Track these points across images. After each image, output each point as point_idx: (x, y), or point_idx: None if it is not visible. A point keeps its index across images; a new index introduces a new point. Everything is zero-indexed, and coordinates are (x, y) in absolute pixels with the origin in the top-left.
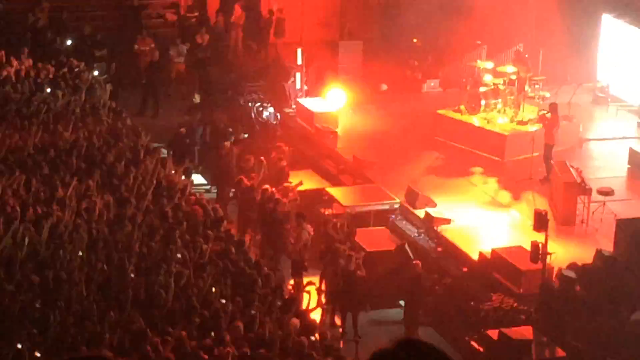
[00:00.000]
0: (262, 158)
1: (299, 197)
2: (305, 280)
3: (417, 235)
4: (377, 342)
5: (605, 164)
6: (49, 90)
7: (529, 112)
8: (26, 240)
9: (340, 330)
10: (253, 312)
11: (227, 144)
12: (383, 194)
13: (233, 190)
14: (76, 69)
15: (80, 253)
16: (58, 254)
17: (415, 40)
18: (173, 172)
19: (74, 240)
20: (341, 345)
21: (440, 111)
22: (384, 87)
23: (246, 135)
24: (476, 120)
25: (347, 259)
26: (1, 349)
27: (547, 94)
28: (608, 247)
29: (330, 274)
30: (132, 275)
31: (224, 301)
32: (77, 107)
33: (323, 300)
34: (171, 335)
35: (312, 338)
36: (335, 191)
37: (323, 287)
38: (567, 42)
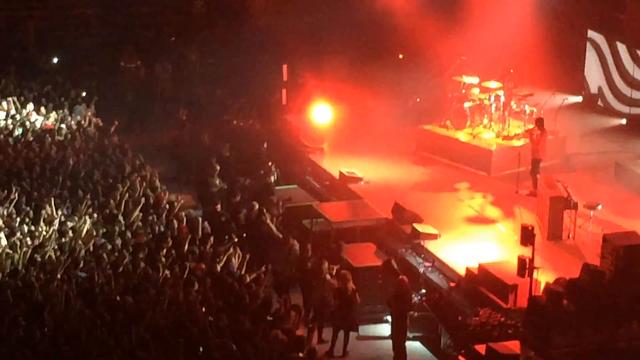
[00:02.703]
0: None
1: (286, 213)
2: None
3: (404, 250)
4: (364, 358)
5: (591, 178)
6: (32, 107)
7: (514, 127)
8: (9, 261)
9: (330, 346)
10: (241, 328)
11: (216, 165)
12: (370, 209)
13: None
14: (62, 86)
15: (59, 276)
16: (38, 275)
17: (400, 56)
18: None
19: (57, 260)
20: None
21: (426, 127)
22: (370, 102)
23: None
24: (462, 135)
25: (342, 278)
26: None
27: (533, 109)
28: (595, 261)
29: (318, 291)
30: (120, 292)
31: (211, 319)
32: (63, 125)
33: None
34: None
35: (301, 354)
36: (322, 207)
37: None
38: (554, 57)
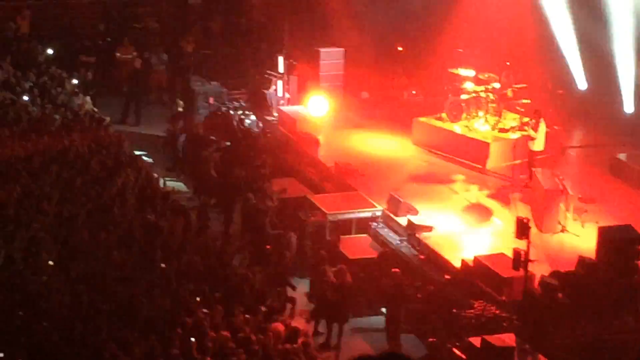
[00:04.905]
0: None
1: (282, 205)
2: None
3: (398, 242)
4: (358, 349)
5: (587, 171)
6: (26, 98)
7: (510, 119)
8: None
9: (325, 338)
10: (236, 319)
11: (206, 152)
12: (365, 201)
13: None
14: (57, 77)
15: (51, 262)
16: (32, 263)
17: (400, 48)
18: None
19: (50, 250)
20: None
21: (421, 119)
22: (365, 94)
23: (228, 143)
24: (458, 127)
25: (340, 272)
26: None
27: (529, 101)
28: (590, 254)
29: (317, 285)
30: (114, 283)
31: (205, 311)
32: (59, 116)
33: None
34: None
35: (295, 345)
36: (317, 199)
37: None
38: (549, 49)
